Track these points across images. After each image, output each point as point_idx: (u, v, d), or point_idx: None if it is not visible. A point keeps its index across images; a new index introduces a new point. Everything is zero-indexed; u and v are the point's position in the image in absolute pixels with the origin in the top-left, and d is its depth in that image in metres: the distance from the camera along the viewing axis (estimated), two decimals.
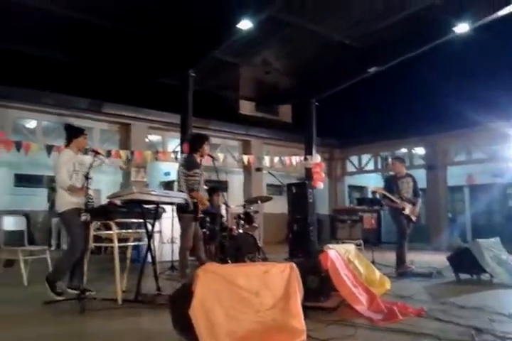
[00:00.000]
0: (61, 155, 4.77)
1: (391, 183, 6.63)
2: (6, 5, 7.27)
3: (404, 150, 13.91)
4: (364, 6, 8.25)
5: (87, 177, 4.20)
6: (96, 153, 4.72)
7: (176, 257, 6.47)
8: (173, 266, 6.70)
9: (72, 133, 4.88)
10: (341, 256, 4.20)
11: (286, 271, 2.88)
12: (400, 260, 6.32)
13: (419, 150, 13.73)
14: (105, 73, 10.49)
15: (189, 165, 5.47)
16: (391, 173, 7.32)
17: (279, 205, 12.27)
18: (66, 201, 4.53)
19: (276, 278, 2.84)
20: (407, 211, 6.41)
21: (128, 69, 10.53)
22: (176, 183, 5.98)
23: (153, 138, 11.98)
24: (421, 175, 13.16)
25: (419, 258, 8.08)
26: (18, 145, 7.92)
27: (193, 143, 5.73)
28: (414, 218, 6.49)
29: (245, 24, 8.00)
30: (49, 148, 8.13)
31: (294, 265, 2.91)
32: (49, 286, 4.45)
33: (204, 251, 6.81)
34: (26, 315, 3.95)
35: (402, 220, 6.42)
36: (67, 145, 4.85)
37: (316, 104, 11.77)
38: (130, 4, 7.86)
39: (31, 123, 10.37)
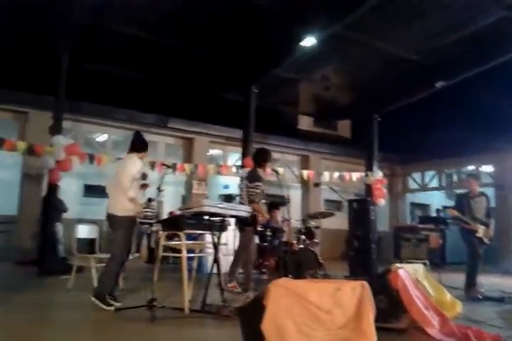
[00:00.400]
0: (132, 163, 4.69)
1: (463, 202, 6.28)
2: (88, 28, 7.79)
3: (471, 167, 13.33)
4: (431, 21, 8.10)
5: (159, 189, 4.37)
6: (167, 166, 4.90)
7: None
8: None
9: (142, 146, 4.95)
10: (410, 275, 4.07)
11: (358, 289, 2.83)
12: (471, 283, 6.01)
13: (487, 168, 13.10)
14: (171, 90, 10.94)
15: (252, 178, 5.62)
16: (462, 191, 6.94)
17: (336, 221, 12.08)
18: (127, 207, 4.56)
19: (348, 297, 2.81)
20: (480, 233, 6.08)
21: (193, 86, 10.91)
22: (238, 197, 6.13)
23: (214, 152, 12.27)
24: (489, 194, 12.53)
25: (489, 281, 7.64)
26: (91, 158, 8.39)
27: (257, 158, 5.86)
28: (487, 240, 6.16)
29: (309, 41, 8.08)
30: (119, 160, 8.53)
31: (366, 283, 2.86)
32: (100, 301, 4.42)
33: (263, 265, 6.89)
34: (99, 321, 4.14)
35: (474, 242, 6.09)
36: (134, 152, 4.81)
37: (379, 119, 11.58)
38: (197, 25, 8.20)
39: (101, 137, 10.96)
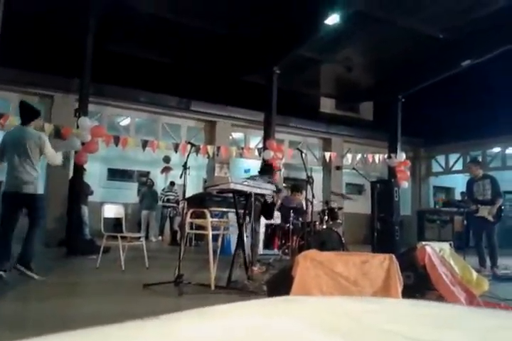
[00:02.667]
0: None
1: (469, 186, 6.97)
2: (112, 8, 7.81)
3: (497, 149, 13.02)
4: None
5: (185, 167, 4.42)
6: (192, 145, 4.93)
7: (260, 251, 6.68)
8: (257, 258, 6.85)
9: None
10: (437, 253, 4.04)
11: (386, 262, 2.84)
12: (480, 260, 6.53)
13: None
14: (194, 73, 10.95)
15: None
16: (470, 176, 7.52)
17: (358, 205, 12.04)
18: None
19: (375, 269, 2.82)
20: (481, 213, 6.58)
21: (215, 69, 10.90)
22: None
23: (236, 135, 12.28)
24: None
25: None
26: (116, 141, 8.49)
27: None
28: (491, 218, 6.53)
29: (333, 19, 7.95)
30: (144, 144, 8.64)
31: (394, 256, 2.86)
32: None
33: (286, 246, 6.97)
34: (129, 295, 4.25)
35: (473, 221, 6.83)
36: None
37: (403, 100, 11.38)
38: (220, 5, 8.15)
39: (125, 121, 11.07)
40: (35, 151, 4.68)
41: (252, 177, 5.81)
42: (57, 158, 4.92)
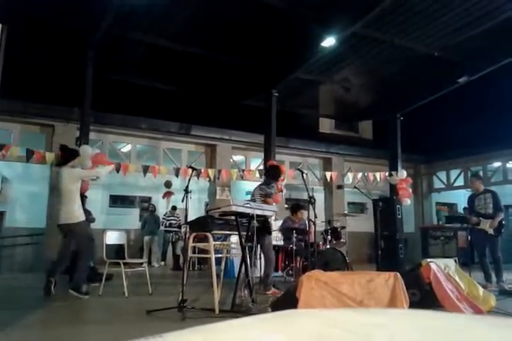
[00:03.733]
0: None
1: (471, 201, 7.09)
2: (111, 38, 8.00)
3: (497, 163, 13.03)
4: (451, 16, 8.03)
5: (186, 191, 4.43)
6: (193, 169, 4.96)
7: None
8: (261, 280, 6.77)
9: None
10: (442, 269, 4.01)
11: (391, 281, 2.82)
12: (485, 276, 6.53)
13: None
14: (193, 98, 11.11)
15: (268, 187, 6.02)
16: (472, 191, 7.66)
17: (361, 223, 12.00)
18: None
19: (380, 287, 2.80)
20: (482, 226, 6.67)
21: (214, 94, 11.05)
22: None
23: (237, 158, 12.34)
24: None
25: None
26: (118, 167, 8.54)
27: (271, 173, 6.27)
28: (491, 231, 6.61)
29: (329, 42, 8.10)
30: (145, 169, 8.69)
31: (399, 274, 2.84)
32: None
33: (290, 267, 6.92)
34: (132, 321, 4.20)
35: (475, 236, 6.89)
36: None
37: (401, 118, 11.49)
38: (216, 31, 8.34)
39: (126, 147, 11.16)
40: (71, 187, 5.52)
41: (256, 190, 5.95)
42: (100, 173, 5.95)
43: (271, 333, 0.81)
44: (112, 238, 6.27)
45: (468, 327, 0.92)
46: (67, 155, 5.67)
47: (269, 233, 5.91)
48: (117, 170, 8.48)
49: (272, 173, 6.21)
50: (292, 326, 0.87)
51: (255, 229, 5.62)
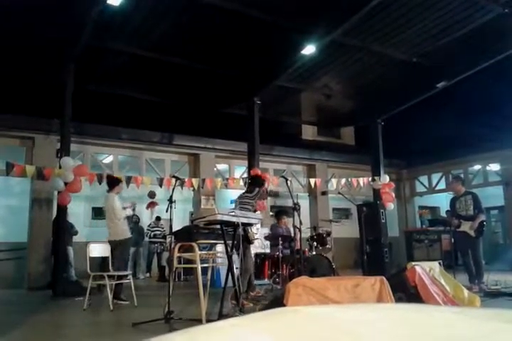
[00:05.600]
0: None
1: (452, 204, 7.21)
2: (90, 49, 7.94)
3: (477, 166, 13.26)
4: (428, 22, 8.19)
5: (170, 201, 4.40)
6: (177, 178, 4.93)
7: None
8: (248, 289, 6.73)
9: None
10: (427, 272, 4.05)
11: (377, 285, 2.84)
12: (470, 278, 6.65)
13: (494, 166, 13.02)
14: (175, 107, 11.06)
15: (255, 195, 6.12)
16: (453, 194, 7.77)
17: (346, 229, 12.06)
18: None
19: (367, 292, 2.81)
20: (463, 228, 6.81)
21: (196, 102, 11.02)
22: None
23: (220, 166, 12.31)
24: (498, 193, 12.47)
25: (506, 278, 7.58)
26: (100, 179, 8.44)
27: (255, 182, 6.39)
28: (472, 233, 6.73)
29: (309, 49, 8.17)
30: (128, 180, 8.61)
31: (384, 278, 2.86)
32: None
33: (277, 275, 6.90)
34: (118, 334, 4.13)
35: (458, 238, 6.99)
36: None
37: (382, 123, 11.63)
38: (196, 41, 8.36)
39: (108, 158, 11.04)
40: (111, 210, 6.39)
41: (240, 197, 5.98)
42: (120, 213, 6.35)
43: (259, 332, 0.80)
44: (96, 251, 6.19)
45: (455, 319, 0.93)
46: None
47: (248, 242, 5.90)
48: (99, 181, 8.37)
49: (254, 182, 6.33)
50: (280, 324, 0.86)
51: (240, 238, 5.67)
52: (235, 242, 4.59)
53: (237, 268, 7.59)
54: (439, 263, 6.42)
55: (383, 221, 8.17)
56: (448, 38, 8.69)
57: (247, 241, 5.80)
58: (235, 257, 4.58)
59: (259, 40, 8.25)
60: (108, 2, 6.53)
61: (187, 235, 4.29)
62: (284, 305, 2.60)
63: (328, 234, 7.69)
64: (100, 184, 8.73)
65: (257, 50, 8.59)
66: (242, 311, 4.44)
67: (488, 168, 13.03)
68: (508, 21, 8.11)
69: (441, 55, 9.20)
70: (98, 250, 6.23)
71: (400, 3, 7.56)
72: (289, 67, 8.86)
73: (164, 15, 7.56)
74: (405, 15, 7.94)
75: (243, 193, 6.22)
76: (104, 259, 6.96)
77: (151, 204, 11.66)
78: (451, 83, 10.05)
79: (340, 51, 9.03)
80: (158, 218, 11.09)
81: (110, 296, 5.68)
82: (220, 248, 5.13)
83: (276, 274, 6.84)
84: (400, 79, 10.15)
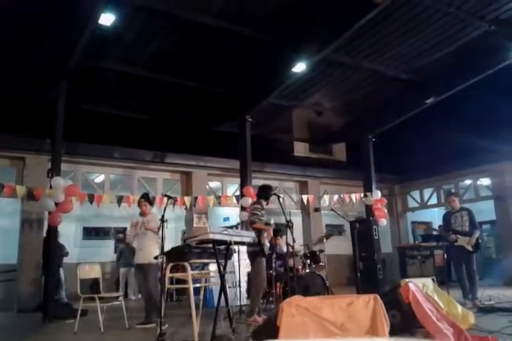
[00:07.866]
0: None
1: (446, 219, 7.22)
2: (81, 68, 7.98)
3: (468, 181, 13.35)
4: (417, 39, 8.36)
5: (162, 220, 4.37)
6: (169, 197, 4.91)
7: (243, 301, 6.50)
8: (241, 310, 6.64)
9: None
10: (420, 289, 4.03)
11: (371, 303, 2.82)
12: (464, 293, 6.66)
13: (485, 181, 13.12)
14: (167, 126, 11.08)
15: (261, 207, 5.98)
16: (447, 209, 7.91)
17: (339, 246, 12.01)
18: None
19: (361, 310, 2.79)
20: (460, 242, 6.85)
21: (188, 121, 11.05)
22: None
23: (213, 184, 12.29)
24: (490, 207, 12.54)
25: (499, 293, 7.58)
26: (91, 198, 8.38)
27: (262, 193, 6.21)
28: (469, 248, 6.80)
29: (299, 67, 8.27)
30: (119, 199, 8.55)
31: (378, 296, 2.84)
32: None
33: (270, 294, 6.82)
34: None
35: (453, 253, 7.04)
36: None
37: (373, 140, 11.73)
38: (187, 60, 8.44)
39: (99, 178, 10.98)
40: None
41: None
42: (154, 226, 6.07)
43: None
44: (86, 272, 6.10)
45: None
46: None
47: (264, 255, 5.78)
48: (90, 201, 8.31)
49: (262, 193, 6.15)
50: None
51: (249, 253, 5.64)
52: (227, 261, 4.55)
53: (229, 287, 7.55)
54: (433, 280, 6.42)
55: (376, 237, 8.16)
56: (437, 55, 8.88)
57: (263, 254, 5.70)
58: (227, 276, 4.52)
59: (251, 58, 8.35)
60: (100, 22, 6.59)
61: (179, 255, 4.24)
62: (277, 327, 2.58)
63: (321, 251, 7.66)
64: (91, 203, 8.67)
65: (248, 68, 8.69)
66: (236, 332, 4.38)
67: (479, 182, 13.13)
68: (494, 37, 8.32)
69: (431, 71, 9.38)
70: (89, 271, 6.14)
71: (389, 20, 7.72)
72: (281, 84, 8.94)
73: (155, 34, 7.65)
74: (395, 32, 8.11)
75: (252, 202, 6.23)
76: (94, 281, 6.86)
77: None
78: (440, 99, 10.20)
79: (330, 68, 9.16)
80: None
81: (101, 318, 5.57)
82: (213, 267, 5.07)
83: (269, 293, 6.78)
84: (390, 96, 10.31)
